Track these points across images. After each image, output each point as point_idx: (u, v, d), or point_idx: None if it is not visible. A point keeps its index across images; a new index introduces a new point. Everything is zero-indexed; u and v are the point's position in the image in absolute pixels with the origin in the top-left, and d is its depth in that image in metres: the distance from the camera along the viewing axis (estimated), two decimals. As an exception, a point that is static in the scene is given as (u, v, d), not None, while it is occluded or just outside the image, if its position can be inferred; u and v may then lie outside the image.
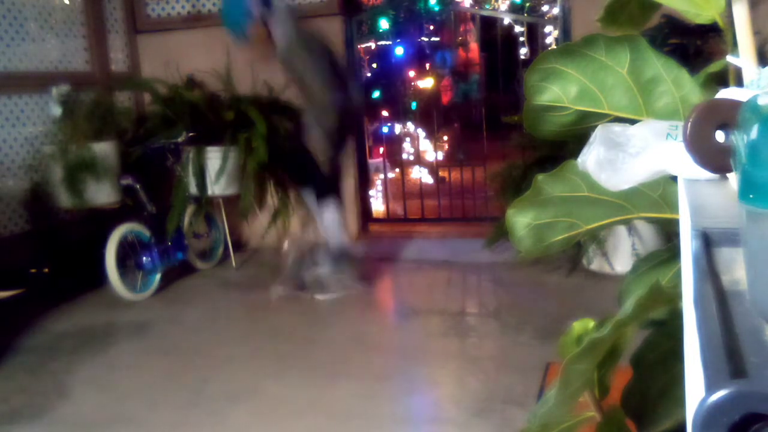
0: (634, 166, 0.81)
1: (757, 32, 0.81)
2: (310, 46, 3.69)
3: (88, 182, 4.13)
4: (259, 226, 4.96)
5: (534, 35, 6.71)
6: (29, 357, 3.34)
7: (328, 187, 3.92)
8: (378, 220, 5.59)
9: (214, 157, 4.44)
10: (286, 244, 4.27)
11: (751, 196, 0.42)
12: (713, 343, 0.38)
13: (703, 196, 0.69)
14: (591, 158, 0.83)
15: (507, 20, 7.00)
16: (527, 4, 7.66)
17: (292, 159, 3.95)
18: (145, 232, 4.20)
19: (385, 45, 6.55)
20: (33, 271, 4.21)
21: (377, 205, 5.81)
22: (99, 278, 4.01)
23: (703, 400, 0.33)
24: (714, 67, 0.92)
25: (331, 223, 3.93)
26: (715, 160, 0.60)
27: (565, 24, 4.66)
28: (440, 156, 6.67)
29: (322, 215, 3.93)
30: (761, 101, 0.44)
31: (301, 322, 3.67)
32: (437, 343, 3.28)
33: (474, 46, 8.56)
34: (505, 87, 6.23)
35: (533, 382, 2.71)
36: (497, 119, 5.41)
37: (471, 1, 7.70)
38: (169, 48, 5.11)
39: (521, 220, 1.00)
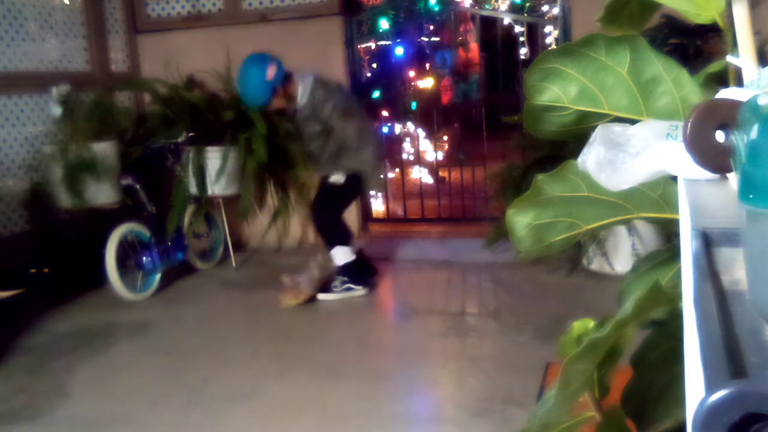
0: (634, 166, 0.81)
1: (757, 32, 0.81)
2: (330, 89, 3.88)
3: (88, 182, 4.13)
4: (259, 226, 4.96)
5: (534, 35, 6.70)
6: (29, 357, 3.34)
7: (347, 238, 4.04)
8: (378, 220, 5.59)
9: (214, 157, 4.43)
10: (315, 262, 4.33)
11: (751, 196, 0.42)
12: (713, 343, 0.38)
13: (703, 196, 0.69)
14: (591, 158, 0.83)
15: (507, 20, 7.00)
16: (527, 4, 7.66)
17: (319, 215, 4.08)
18: (145, 232, 4.20)
19: (385, 45, 6.55)
20: (33, 271, 4.20)
21: (377, 205, 5.81)
22: (99, 278, 4.01)
23: (703, 400, 0.33)
24: (714, 67, 0.92)
25: (342, 260, 4.00)
26: (715, 160, 0.60)
27: (565, 24, 4.66)
28: (440, 156, 6.67)
29: (336, 255, 4.01)
30: (761, 101, 0.44)
31: (302, 322, 3.67)
32: (437, 343, 3.28)
33: (474, 46, 8.56)
34: (505, 87, 6.23)
35: (533, 382, 2.71)
36: (497, 119, 5.40)
37: (471, 1, 7.70)
38: (169, 48, 5.11)
39: (521, 220, 1.00)
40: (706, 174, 0.70)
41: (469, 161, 6.09)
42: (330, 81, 4.02)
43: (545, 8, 7.21)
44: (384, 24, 6.14)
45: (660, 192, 0.94)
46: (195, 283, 4.47)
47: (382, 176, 3.94)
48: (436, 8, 6.49)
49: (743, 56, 0.75)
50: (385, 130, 6.35)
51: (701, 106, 0.61)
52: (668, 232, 3.25)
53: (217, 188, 4.48)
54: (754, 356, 0.38)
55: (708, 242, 0.54)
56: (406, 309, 3.91)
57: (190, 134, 4.40)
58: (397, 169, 6.24)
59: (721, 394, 0.33)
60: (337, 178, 3.90)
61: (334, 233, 4.01)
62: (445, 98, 8.14)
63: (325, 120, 3.80)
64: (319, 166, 4.06)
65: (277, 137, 4.57)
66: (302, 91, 3.83)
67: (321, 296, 3.99)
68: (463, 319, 3.66)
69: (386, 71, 6.50)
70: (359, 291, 4.02)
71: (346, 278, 3.99)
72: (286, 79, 3.84)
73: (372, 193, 5.61)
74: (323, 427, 2.54)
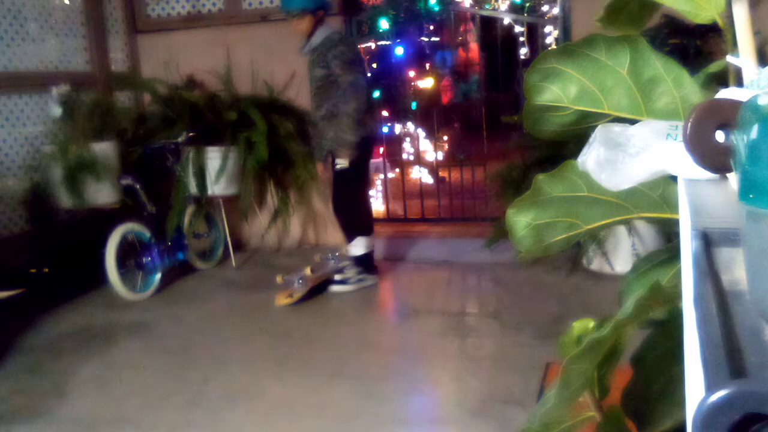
0: (634, 166, 0.81)
1: (757, 32, 0.81)
2: (346, 39, 4.05)
3: (88, 182, 4.13)
4: (259, 226, 4.96)
5: (534, 35, 6.70)
6: (29, 357, 3.34)
7: (361, 226, 4.11)
8: (378, 220, 5.58)
9: (214, 157, 4.44)
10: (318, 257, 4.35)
11: (751, 196, 0.42)
12: (713, 343, 0.38)
13: (703, 196, 0.69)
14: (591, 158, 0.83)
15: (507, 20, 6.99)
16: (527, 4, 7.66)
17: (336, 206, 4.16)
18: (145, 232, 4.19)
19: (385, 45, 6.55)
20: (33, 271, 4.20)
21: (377, 205, 5.81)
22: (99, 278, 4.01)
23: (703, 400, 0.33)
24: (714, 67, 0.92)
25: (359, 251, 4.08)
26: (715, 160, 0.60)
27: (565, 24, 4.66)
28: (440, 156, 6.66)
29: (353, 246, 4.10)
30: (761, 101, 0.44)
31: (301, 322, 3.67)
32: (437, 343, 3.28)
33: (474, 46, 8.56)
34: (505, 87, 6.23)
35: (533, 382, 2.71)
36: (497, 119, 5.41)
37: (471, 1, 7.69)
38: (169, 48, 5.11)
39: (521, 220, 1.00)
40: (706, 174, 0.70)
41: (469, 161, 6.08)
42: (350, 37, 4.29)
43: (545, 8, 7.22)
44: (384, 24, 6.15)
45: (660, 192, 0.94)
46: (195, 283, 4.47)
47: (353, 140, 3.89)
48: (436, 8, 6.50)
49: (743, 56, 0.75)
50: (385, 130, 6.35)
51: (701, 106, 0.61)
52: (668, 232, 3.26)
53: (217, 188, 4.48)
54: (754, 356, 0.38)
55: (708, 242, 0.54)
56: (406, 309, 3.91)
57: (190, 134, 4.40)
58: (397, 169, 6.25)
59: (721, 394, 0.32)
60: (342, 163, 3.93)
61: (353, 224, 4.08)
62: (445, 98, 8.14)
63: (328, 63, 3.85)
64: (319, 132, 4.07)
65: (277, 137, 4.57)
66: (321, 33, 3.94)
67: (335, 288, 4.02)
68: (463, 319, 3.66)
69: (386, 71, 6.50)
70: (370, 281, 4.11)
71: (359, 269, 4.06)
72: (324, 12, 3.99)
73: (372, 193, 5.62)
74: (323, 427, 2.54)
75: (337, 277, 4.08)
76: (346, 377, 2.93)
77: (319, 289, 4.03)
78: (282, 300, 3.87)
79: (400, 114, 6.49)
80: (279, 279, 3.95)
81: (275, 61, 4.84)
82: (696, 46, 3.66)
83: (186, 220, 4.52)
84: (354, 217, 4.09)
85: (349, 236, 4.08)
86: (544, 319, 3.39)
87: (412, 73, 7.00)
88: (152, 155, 4.42)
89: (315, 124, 4.10)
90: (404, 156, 6.53)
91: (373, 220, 4.27)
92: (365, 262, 4.10)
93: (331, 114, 3.90)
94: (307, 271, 4.00)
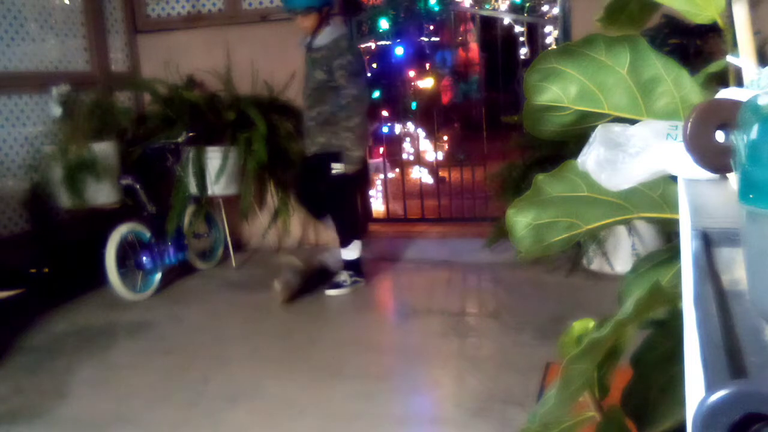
0: (634, 166, 0.81)
1: (757, 32, 0.81)
2: (354, 48, 3.99)
3: (88, 182, 4.13)
4: (259, 226, 4.96)
5: (534, 35, 6.70)
6: (29, 357, 3.34)
7: (356, 229, 4.12)
8: (378, 220, 5.59)
9: (214, 157, 4.44)
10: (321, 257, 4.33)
11: (751, 196, 0.42)
12: (713, 343, 0.38)
13: (703, 196, 0.69)
14: (591, 158, 0.83)
15: (507, 20, 6.99)
16: (527, 4, 7.66)
17: (333, 213, 4.13)
18: (145, 232, 4.20)
19: (385, 45, 6.55)
20: (33, 271, 4.20)
21: (377, 205, 5.81)
22: (99, 278, 4.01)
23: (703, 400, 0.33)
24: (714, 67, 0.92)
25: (353, 255, 4.08)
26: (715, 160, 0.60)
27: (565, 24, 4.66)
28: (440, 156, 6.66)
29: (348, 251, 4.09)
30: (761, 101, 0.44)
31: (301, 322, 3.67)
32: (437, 343, 3.28)
33: (474, 46, 8.55)
34: (505, 87, 6.23)
35: (533, 382, 2.71)
36: (497, 119, 5.41)
37: (471, 1, 7.69)
38: (169, 48, 5.10)
39: (521, 220, 1.00)
40: (706, 174, 0.70)
41: (469, 161, 6.08)
42: (357, 45, 4.23)
43: (545, 8, 7.22)
44: (384, 24, 6.15)
45: (660, 192, 0.94)
46: (195, 283, 4.47)
47: (361, 154, 3.93)
48: (436, 8, 6.50)
49: (743, 56, 0.75)
50: (385, 130, 6.35)
51: (701, 106, 0.61)
52: (668, 232, 3.25)
53: (217, 188, 4.48)
54: (754, 356, 0.38)
55: (708, 242, 0.54)
56: (406, 309, 3.91)
57: (190, 134, 4.40)
58: (397, 169, 6.24)
59: (721, 394, 0.32)
60: (339, 168, 3.90)
61: (350, 228, 4.08)
62: (445, 98, 8.14)
63: (332, 70, 3.79)
64: (307, 129, 4.04)
65: (277, 137, 4.57)
66: (327, 32, 3.85)
67: (330, 292, 4.01)
68: (463, 319, 3.66)
69: (386, 71, 6.50)
70: (362, 282, 4.13)
71: (352, 272, 4.06)
72: (330, 9, 3.91)
73: (372, 193, 5.63)
74: (323, 427, 2.54)
75: (334, 279, 4.08)
76: (345, 377, 2.93)
77: (318, 287, 4.03)
78: (280, 294, 3.87)
79: (400, 114, 6.49)
80: (276, 285, 3.93)
81: (275, 61, 4.84)
82: (696, 46, 3.66)
83: (186, 220, 4.52)
84: (351, 221, 4.10)
85: (346, 240, 4.07)
86: (544, 319, 3.39)
87: (412, 73, 7.00)
88: (152, 155, 4.42)
89: (303, 122, 4.08)
90: (404, 156, 6.53)
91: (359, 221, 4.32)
92: (359, 265, 4.11)
93: (324, 119, 3.88)
94: (293, 260, 4.01)
